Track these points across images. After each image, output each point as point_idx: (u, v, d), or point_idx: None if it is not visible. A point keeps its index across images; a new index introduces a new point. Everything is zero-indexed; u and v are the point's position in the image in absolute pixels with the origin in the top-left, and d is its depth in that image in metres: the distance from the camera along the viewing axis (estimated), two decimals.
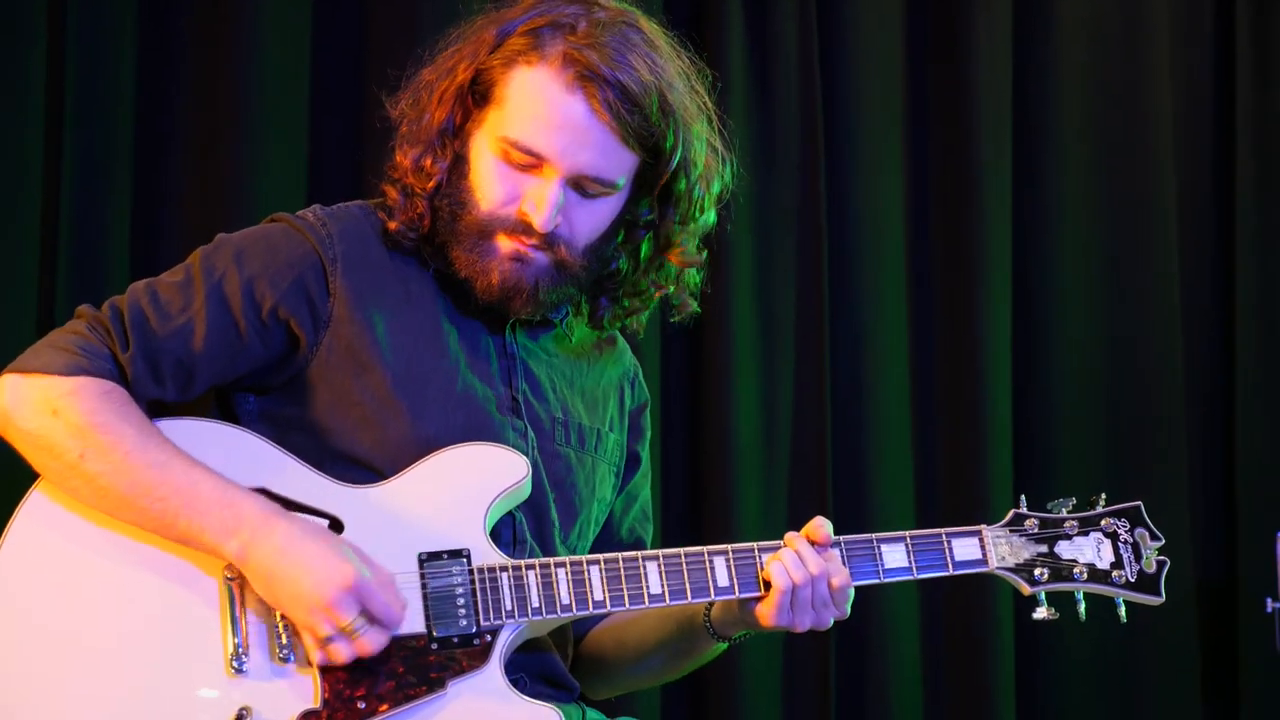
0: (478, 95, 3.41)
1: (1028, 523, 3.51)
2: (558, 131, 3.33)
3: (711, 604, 3.49)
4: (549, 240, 3.39)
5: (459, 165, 3.42)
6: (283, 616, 3.25)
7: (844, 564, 3.37)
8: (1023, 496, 3.53)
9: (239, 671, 3.25)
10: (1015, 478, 5.27)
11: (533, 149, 3.34)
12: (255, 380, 3.46)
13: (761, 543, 3.41)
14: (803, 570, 3.34)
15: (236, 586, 3.27)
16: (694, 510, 5.09)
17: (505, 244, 3.41)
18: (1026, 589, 3.48)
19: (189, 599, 3.28)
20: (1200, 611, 5.47)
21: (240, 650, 3.25)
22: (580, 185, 3.38)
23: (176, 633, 3.26)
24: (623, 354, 3.81)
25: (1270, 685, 5.39)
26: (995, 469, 5.26)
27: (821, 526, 3.40)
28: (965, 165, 5.31)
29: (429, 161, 3.42)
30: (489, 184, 3.39)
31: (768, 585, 3.36)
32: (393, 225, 3.46)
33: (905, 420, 5.29)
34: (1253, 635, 5.33)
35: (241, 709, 3.23)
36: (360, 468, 3.40)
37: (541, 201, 3.35)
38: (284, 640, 3.25)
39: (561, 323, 3.64)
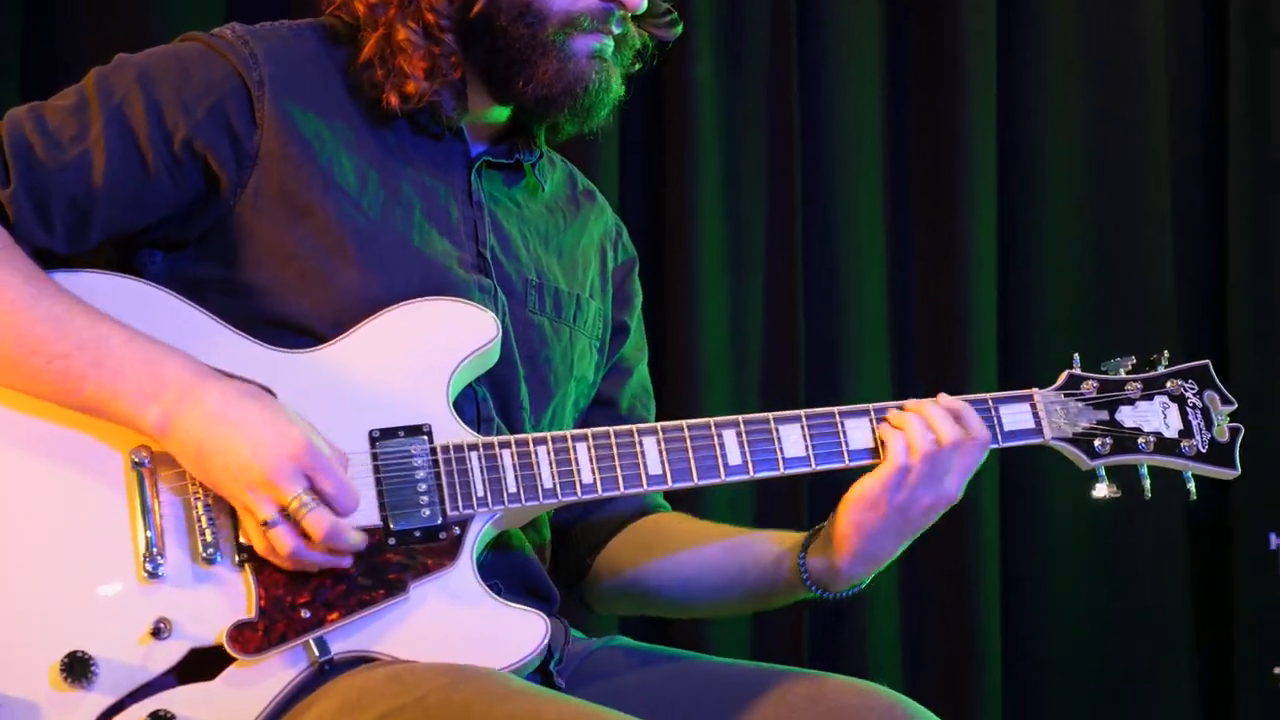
0: None
1: (1084, 385, 2.96)
2: None
3: (808, 544, 2.94)
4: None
5: None
6: (205, 506, 2.66)
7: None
8: (1076, 356, 2.98)
9: (153, 575, 2.65)
10: (1000, 383, 4.79)
11: None
12: (164, 232, 2.86)
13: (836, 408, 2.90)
14: (927, 428, 2.85)
15: (147, 472, 2.68)
16: None
17: (583, 43, 2.93)
18: (1086, 463, 2.94)
19: (90, 488, 2.69)
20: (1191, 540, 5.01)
21: (154, 550, 2.65)
22: None
23: (75, 532, 2.67)
24: (603, 210, 3.25)
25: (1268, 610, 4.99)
26: (979, 372, 4.82)
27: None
28: (947, 60, 4.90)
29: None
30: None
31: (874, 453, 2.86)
32: (410, 87, 2.90)
33: (881, 323, 4.85)
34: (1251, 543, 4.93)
35: (158, 621, 2.63)
36: (296, 333, 2.82)
37: None
38: (208, 536, 2.66)
39: (534, 169, 3.06)
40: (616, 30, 2.93)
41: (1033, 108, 5.00)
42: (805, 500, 4.66)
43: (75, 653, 2.60)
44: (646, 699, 2.82)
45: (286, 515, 2.61)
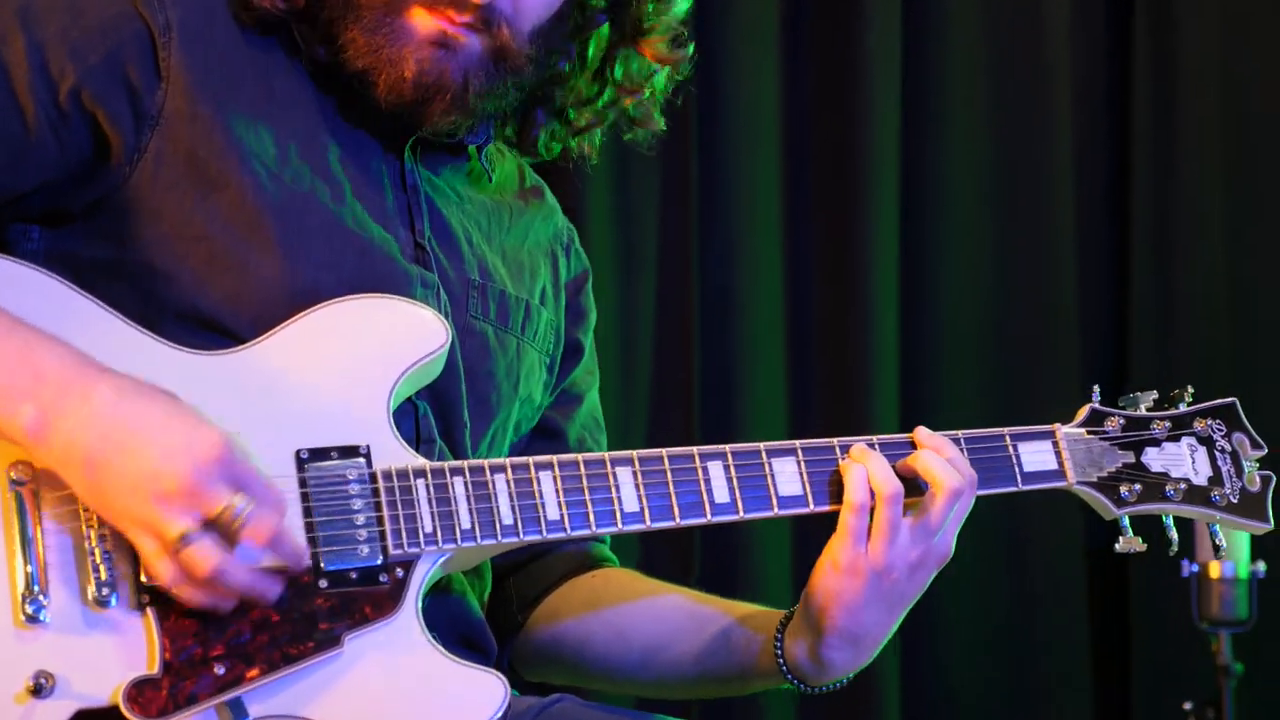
0: None
1: (1108, 422, 2.60)
2: None
3: (786, 624, 2.53)
4: (486, 17, 2.44)
5: None
6: (100, 536, 2.20)
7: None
8: (1096, 389, 2.63)
9: (33, 620, 2.19)
10: (900, 402, 4.57)
11: None
12: (44, 202, 2.39)
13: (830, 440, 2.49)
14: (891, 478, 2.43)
15: (27, 493, 2.20)
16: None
17: (425, 23, 2.44)
18: (1112, 511, 2.58)
19: None
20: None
21: (35, 588, 2.19)
22: None
23: None
24: (553, 211, 2.83)
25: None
26: (879, 390, 4.54)
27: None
28: (851, 57, 4.68)
29: None
30: None
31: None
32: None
33: (779, 337, 4.56)
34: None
35: (39, 675, 2.17)
36: (206, 331, 2.37)
37: None
38: (102, 572, 2.21)
39: (480, 154, 2.63)
40: (463, 21, 2.44)
41: (937, 112, 4.79)
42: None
43: None
44: None
45: (210, 528, 2.15)
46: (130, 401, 2.16)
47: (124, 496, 2.14)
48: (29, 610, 2.17)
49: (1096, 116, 4.95)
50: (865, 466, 2.42)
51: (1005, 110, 4.86)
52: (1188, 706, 4.41)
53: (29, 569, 2.18)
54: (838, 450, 2.47)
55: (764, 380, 4.49)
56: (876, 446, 2.47)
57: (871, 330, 4.57)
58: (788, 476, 2.45)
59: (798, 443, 2.46)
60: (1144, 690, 4.80)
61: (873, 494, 2.42)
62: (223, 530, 2.15)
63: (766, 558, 4.46)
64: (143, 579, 2.20)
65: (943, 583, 4.45)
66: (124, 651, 2.19)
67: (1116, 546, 2.58)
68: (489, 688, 2.29)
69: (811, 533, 4.48)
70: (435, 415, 2.48)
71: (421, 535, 2.31)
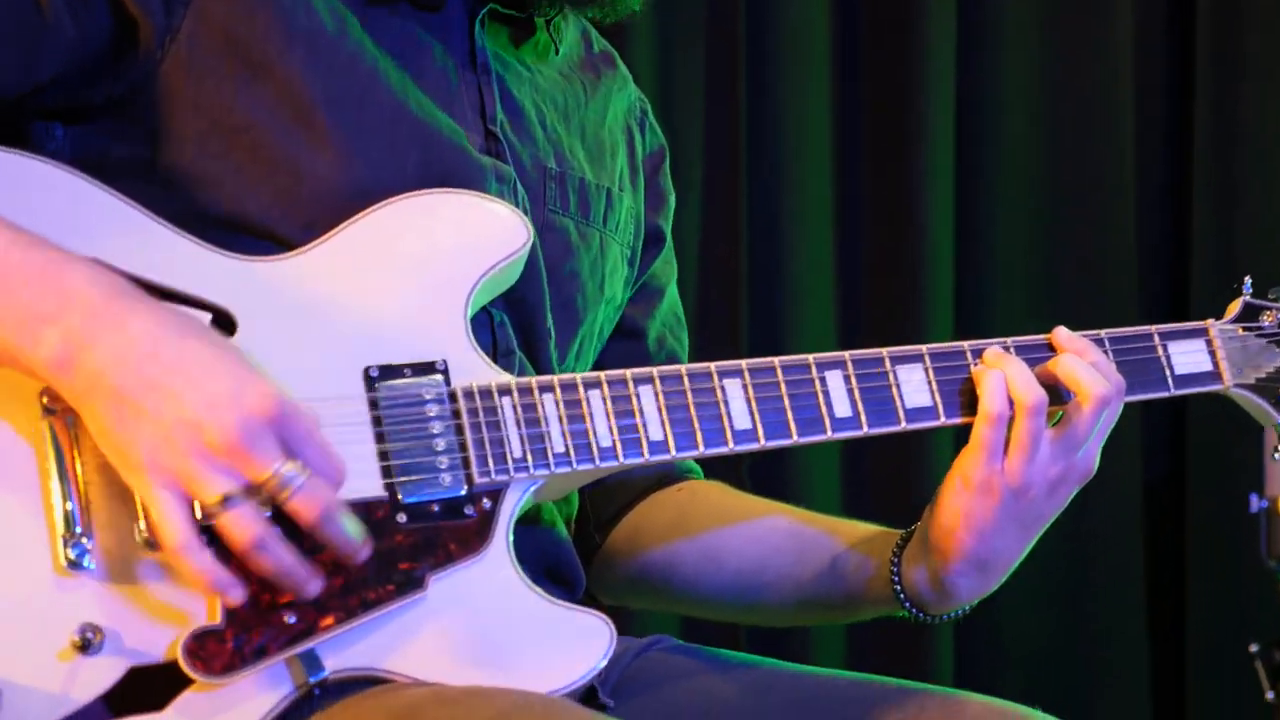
0: None
1: (1264, 317, 2.33)
2: None
3: (903, 546, 2.26)
4: None
5: None
6: None
7: None
8: (1248, 280, 2.35)
9: (76, 567, 1.90)
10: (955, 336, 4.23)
11: None
12: (63, 95, 2.08)
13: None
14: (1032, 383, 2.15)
15: (60, 422, 1.91)
16: None
17: None
18: (1273, 416, 2.30)
19: None
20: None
21: (77, 531, 1.91)
22: None
23: None
24: (626, 81, 2.54)
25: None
26: (932, 323, 4.33)
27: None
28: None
29: None
30: None
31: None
32: None
33: (828, 269, 4.31)
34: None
35: (85, 629, 1.89)
36: (253, 237, 2.08)
37: None
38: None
39: (548, 24, 2.34)
40: None
41: (994, 38, 4.54)
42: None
43: None
44: (726, 716, 2.17)
45: (253, 494, 1.85)
46: (172, 335, 1.87)
47: (153, 444, 1.84)
48: (71, 555, 1.89)
49: (1158, 43, 4.72)
50: (1003, 372, 2.15)
51: (1064, 36, 4.61)
52: (1254, 649, 4.15)
53: (69, 507, 1.90)
54: (969, 355, 2.20)
55: (813, 314, 4.27)
56: (1012, 349, 2.20)
57: (925, 263, 4.35)
58: (914, 385, 2.18)
59: (924, 348, 2.19)
60: (1202, 631, 4.58)
61: (1011, 404, 2.14)
62: (265, 500, 1.86)
63: (814, 488, 4.21)
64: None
65: None
66: (181, 599, 1.92)
67: (1275, 455, 2.31)
68: (593, 633, 2.02)
69: (859, 459, 4.28)
70: (514, 325, 2.20)
71: (510, 461, 2.03)
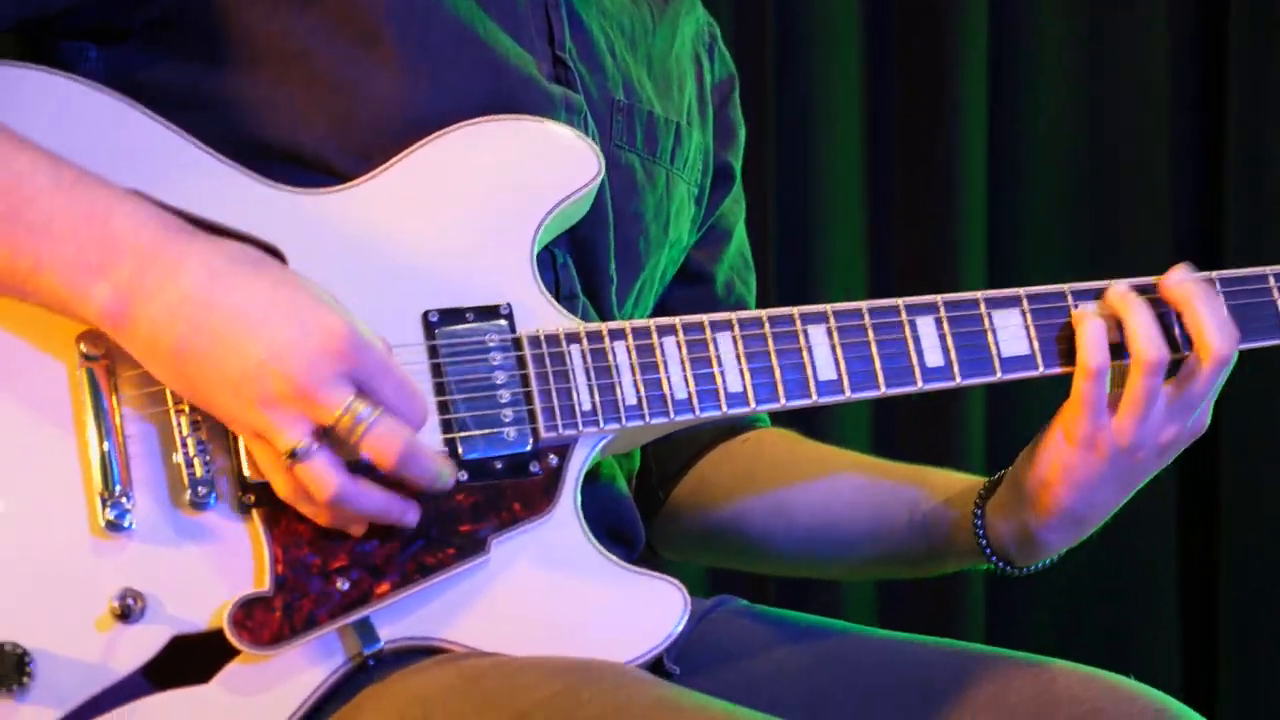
0: None
1: None
2: None
3: (987, 496, 2.12)
4: None
5: None
6: (192, 423, 1.79)
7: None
8: None
9: (116, 528, 1.77)
10: (989, 266, 4.16)
11: None
12: (98, 12, 1.93)
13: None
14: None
15: (102, 370, 1.77)
16: None
17: None
18: None
19: (13, 401, 1.79)
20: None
21: (117, 489, 1.77)
22: None
23: (6, 470, 1.78)
24: (694, 5, 2.38)
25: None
26: (965, 254, 4.13)
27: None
28: None
29: None
30: None
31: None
32: None
33: (857, 199, 4.12)
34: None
35: (125, 595, 1.75)
36: (306, 169, 1.93)
37: None
38: (197, 467, 1.80)
39: None
40: None
41: None
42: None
43: (1, 645, 1.73)
44: (802, 686, 2.05)
45: (327, 438, 1.73)
46: (227, 279, 1.74)
47: (226, 400, 1.73)
48: (110, 515, 1.77)
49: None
50: (1121, 319, 1.99)
51: None
52: None
53: (108, 464, 1.77)
54: (1069, 297, 2.04)
55: (842, 245, 4.09)
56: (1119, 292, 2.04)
57: (958, 195, 4.15)
58: (1011, 332, 2.02)
59: (1022, 290, 2.03)
60: (1236, 575, 4.38)
61: (1114, 354, 1.99)
62: (339, 441, 1.74)
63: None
64: (246, 474, 1.79)
65: None
66: (226, 563, 1.79)
67: None
68: (666, 600, 1.89)
69: (889, 421, 4.15)
70: (576, 266, 2.05)
71: (579, 414, 1.90)
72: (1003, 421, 4.20)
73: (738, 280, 2.35)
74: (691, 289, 2.29)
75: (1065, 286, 2.04)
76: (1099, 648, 4.31)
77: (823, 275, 4.08)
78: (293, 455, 1.73)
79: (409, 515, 1.80)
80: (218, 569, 1.79)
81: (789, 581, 3.76)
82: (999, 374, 2.02)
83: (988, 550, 2.12)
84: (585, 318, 2.01)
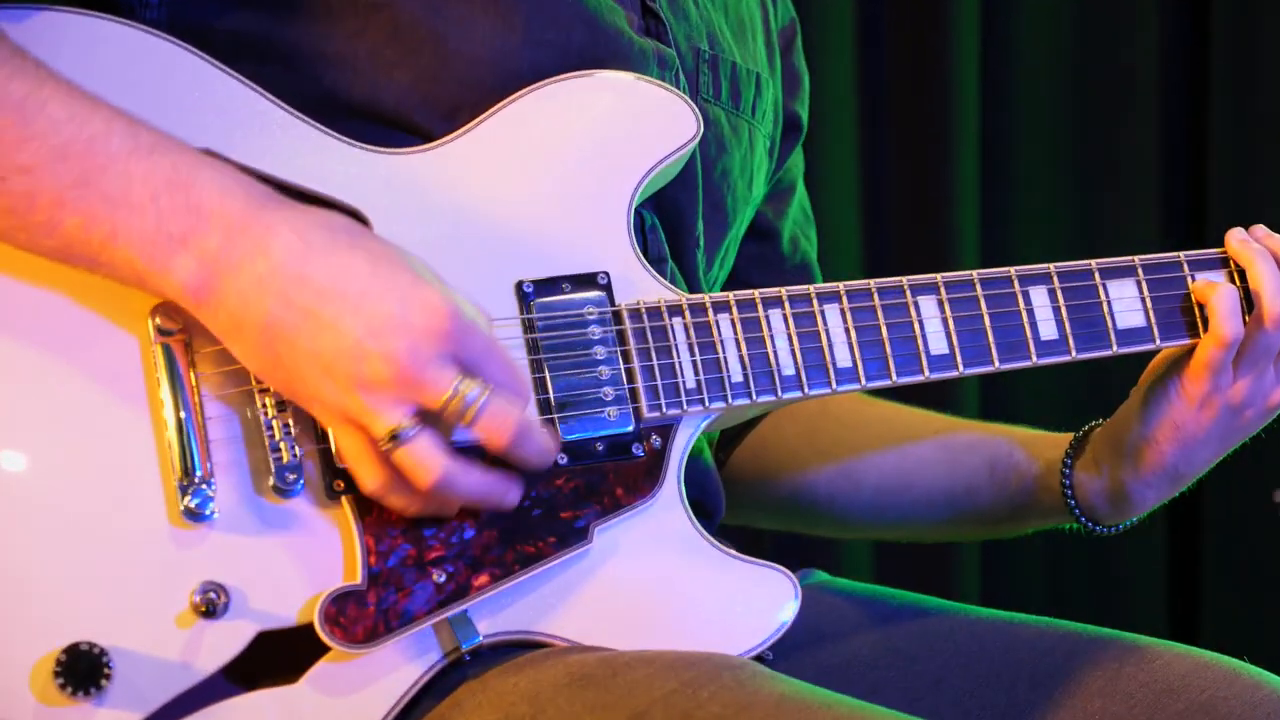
0: None
1: None
2: None
3: (1075, 453, 2.06)
4: None
5: None
6: (279, 404, 1.67)
7: None
8: None
9: (196, 517, 1.65)
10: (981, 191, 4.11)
11: None
12: None
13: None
14: None
15: (179, 346, 1.64)
16: None
17: None
18: None
19: (85, 382, 1.66)
20: None
21: (197, 476, 1.64)
22: None
23: (65, 453, 1.66)
24: None
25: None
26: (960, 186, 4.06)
27: None
28: None
29: None
30: None
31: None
32: None
33: (851, 175, 4.03)
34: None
35: (208, 589, 1.63)
36: (387, 127, 1.80)
37: None
38: (283, 452, 1.67)
39: None
40: None
41: None
42: None
43: (78, 645, 1.61)
44: (903, 669, 1.96)
45: (431, 421, 1.61)
46: (322, 251, 1.62)
47: (316, 380, 1.61)
48: (191, 504, 1.64)
49: None
50: (1255, 271, 1.92)
51: None
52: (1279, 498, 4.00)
53: (188, 449, 1.64)
54: (1185, 266, 1.94)
55: (835, 232, 3.96)
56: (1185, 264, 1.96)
57: (950, 181, 4.09)
58: (1127, 304, 1.93)
59: (1136, 259, 1.93)
60: (1218, 534, 4.34)
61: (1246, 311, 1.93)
62: (447, 426, 1.62)
63: None
64: (339, 460, 1.66)
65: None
66: (314, 555, 1.68)
67: None
68: (776, 589, 1.78)
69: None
70: (665, 229, 1.93)
71: (683, 392, 1.78)
72: (996, 411, 4.17)
73: (801, 236, 2.25)
74: (757, 246, 2.19)
75: (1180, 255, 1.94)
76: (1087, 602, 4.30)
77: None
78: (394, 438, 1.61)
79: (511, 495, 1.69)
80: (305, 561, 1.67)
81: (785, 537, 3.69)
82: (1115, 348, 1.92)
83: (1075, 508, 2.06)
84: (673, 283, 1.90)
